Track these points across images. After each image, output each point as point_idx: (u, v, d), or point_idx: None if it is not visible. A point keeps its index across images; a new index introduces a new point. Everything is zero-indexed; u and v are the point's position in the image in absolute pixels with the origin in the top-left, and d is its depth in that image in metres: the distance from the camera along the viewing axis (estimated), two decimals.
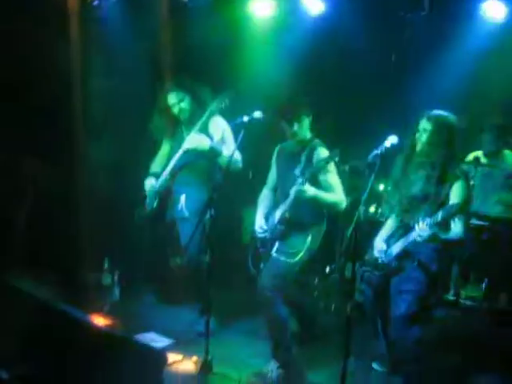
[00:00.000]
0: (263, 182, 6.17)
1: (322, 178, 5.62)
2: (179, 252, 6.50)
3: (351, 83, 7.28)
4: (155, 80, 6.89)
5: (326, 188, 5.63)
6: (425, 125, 5.37)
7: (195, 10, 6.91)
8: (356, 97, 7.24)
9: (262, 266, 5.82)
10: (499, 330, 6.26)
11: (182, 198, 6.40)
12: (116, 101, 6.71)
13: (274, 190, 6.07)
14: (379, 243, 5.58)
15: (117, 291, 6.94)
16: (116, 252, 6.98)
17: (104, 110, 6.77)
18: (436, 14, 6.27)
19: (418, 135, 5.41)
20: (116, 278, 6.98)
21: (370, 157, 5.02)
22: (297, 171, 5.63)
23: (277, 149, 6.04)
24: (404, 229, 5.45)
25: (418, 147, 5.42)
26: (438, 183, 5.32)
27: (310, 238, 5.72)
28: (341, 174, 5.87)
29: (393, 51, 7.14)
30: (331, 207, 5.74)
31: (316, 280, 7.00)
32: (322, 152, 5.65)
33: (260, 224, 5.89)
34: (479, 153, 6.96)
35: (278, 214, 5.76)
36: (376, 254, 5.56)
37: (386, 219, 5.81)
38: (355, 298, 5.33)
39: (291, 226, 5.70)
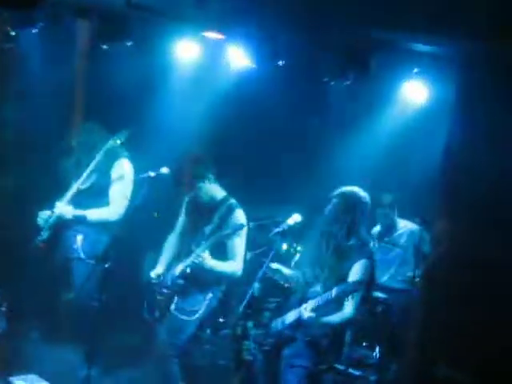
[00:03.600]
0: (168, 225, 6.10)
1: (229, 243, 5.64)
2: (71, 290, 6.33)
3: (266, 144, 7.24)
4: (65, 119, 6.92)
5: (230, 254, 5.65)
6: (333, 198, 5.48)
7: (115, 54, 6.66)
8: (269, 158, 7.20)
9: (157, 314, 5.77)
10: None
11: (79, 238, 6.28)
12: (22, 133, 6.55)
13: (181, 238, 6.02)
14: None
15: (2, 323, 6.67)
16: (5, 283, 6.70)
17: (9, 141, 6.56)
18: (358, 85, 6.20)
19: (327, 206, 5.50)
20: (3, 309, 6.70)
21: (271, 234, 5.04)
22: (207, 229, 5.61)
23: (187, 199, 5.97)
24: (301, 297, 5.47)
25: (323, 218, 5.48)
26: (337, 257, 5.33)
27: (209, 296, 5.74)
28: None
29: (313, 118, 7.11)
30: (226, 276, 5.74)
31: (208, 332, 6.87)
32: (240, 215, 5.65)
33: (158, 272, 5.83)
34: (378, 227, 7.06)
35: (179, 268, 5.70)
36: None
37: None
38: (244, 356, 5.30)
39: (191, 283, 5.68)
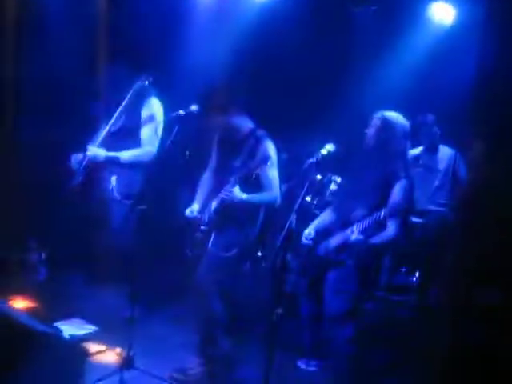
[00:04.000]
0: (200, 163, 6.06)
1: (261, 173, 5.47)
2: (109, 232, 6.36)
3: (293, 75, 7.15)
4: (90, 60, 6.86)
5: (264, 184, 5.52)
6: (374, 122, 5.45)
7: None
8: (297, 89, 7.12)
9: (196, 251, 5.72)
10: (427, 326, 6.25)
11: (113, 178, 6.28)
12: (49, 78, 6.51)
13: (214, 174, 5.94)
14: (309, 230, 5.65)
15: (43, 271, 6.75)
16: (43, 230, 6.75)
17: (36, 87, 6.56)
18: (385, 10, 6.09)
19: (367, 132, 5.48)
20: (43, 256, 6.77)
21: (305, 165, 4.98)
22: (237, 162, 5.52)
23: (218, 134, 5.87)
24: (343, 222, 5.45)
25: (364, 144, 5.47)
26: (380, 182, 5.30)
27: (246, 230, 5.63)
28: (279, 161, 5.75)
29: (338, 46, 7.00)
30: (264, 205, 5.64)
31: (247, 266, 6.88)
32: (269, 146, 5.51)
33: (194, 209, 5.78)
34: (419, 149, 6.98)
35: (213, 204, 5.62)
36: (304, 240, 5.62)
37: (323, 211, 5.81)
38: (284, 288, 5.29)
39: (226, 218, 5.58)
